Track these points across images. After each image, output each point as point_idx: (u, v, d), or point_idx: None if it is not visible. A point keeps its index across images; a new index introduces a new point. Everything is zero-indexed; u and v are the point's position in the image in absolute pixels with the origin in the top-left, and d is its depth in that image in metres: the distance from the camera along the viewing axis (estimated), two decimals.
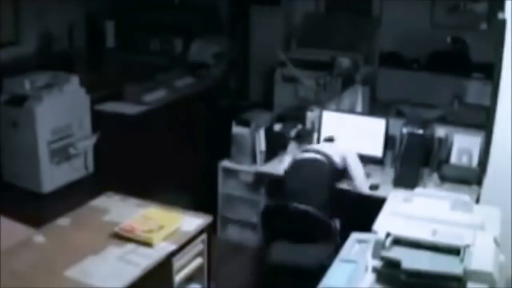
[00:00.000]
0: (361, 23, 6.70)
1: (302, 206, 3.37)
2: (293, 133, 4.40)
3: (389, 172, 3.86)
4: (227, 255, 4.08)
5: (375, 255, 2.04)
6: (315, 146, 3.90)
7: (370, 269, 2.03)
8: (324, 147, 3.79)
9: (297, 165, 3.68)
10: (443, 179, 3.75)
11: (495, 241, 2.08)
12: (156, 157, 5.26)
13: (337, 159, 3.68)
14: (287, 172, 3.72)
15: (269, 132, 4.27)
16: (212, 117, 6.09)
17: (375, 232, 2.12)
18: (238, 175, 4.31)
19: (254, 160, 4.24)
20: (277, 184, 3.99)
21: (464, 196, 2.42)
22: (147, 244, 2.74)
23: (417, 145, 3.62)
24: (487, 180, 3.36)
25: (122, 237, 2.78)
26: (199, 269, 3.02)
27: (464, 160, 3.80)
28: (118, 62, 7.08)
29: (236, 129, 4.29)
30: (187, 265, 2.91)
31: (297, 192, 3.53)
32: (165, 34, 7.32)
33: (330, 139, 3.92)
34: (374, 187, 3.72)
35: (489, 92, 3.41)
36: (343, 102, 4.71)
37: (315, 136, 4.20)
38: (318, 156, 3.64)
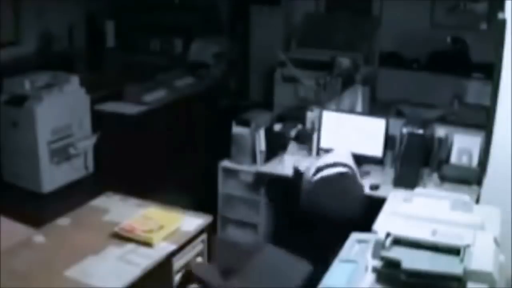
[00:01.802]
0: (361, 23, 6.70)
1: None
2: (293, 133, 4.40)
3: (389, 172, 3.86)
4: (227, 255, 4.08)
5: (375, 255, 2.04)
6: (330, 158, 3.66)
7: (370, 269, 2.03)
8: (337, 156, 3.66)
9: (326, 184, 3.52)
10: (443, 179, 3.75)
11: (495, 241, 2.08)
12: (156, 157, 5.26)
13: (351, 162, 3.64)
14: (313, 192, 3.55)
15: (269, 132, 4.27)
16: (212, 117, 6.10)
17: (375, 232, 2.12)
18: (238, 175, 4.31)
19: (254, 160, 4.23)
20: (277, 185, 4.00)
21: (464, 196, 2.42)
22: (147, 244, 2.74)
23: (417, 145, 3.62)
24: (487, 180, 3.36)
25: (122, 237, 2.78)
26: None
27: (464, 160, 3.80)
28: (118, 62, 7.08)
29: (236, 129, 4.29)
30: (187, 265, 2.91)
31: (332, 216, 3.46)
32: (165, 34, 7.32)
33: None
34: (374, 187, 3.71)
35: (489, 92, 3.41)
36: (343, 102, 4.70)
37: (315, 136, 4.20)
38: (344, 169, 3.55)
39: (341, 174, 3.56)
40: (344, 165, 3.58)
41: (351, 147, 4.00)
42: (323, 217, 3.48)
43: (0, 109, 5.09)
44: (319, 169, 3.57)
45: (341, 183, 3.55)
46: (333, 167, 3.57)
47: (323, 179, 3.54)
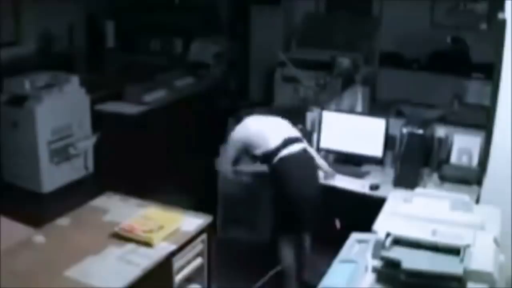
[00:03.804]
0: (361, 23, 6.71)
1: None
2: None
3: (389, 172, 3.86)
4: (227, 255, 4.08)
5: (375, 255, 2.04)
6: (283, 134, 3.55)
7: (370, 269, 2.03)
8: (288, 128, 3.62)
9: (291, 162, 3.48)
10: (443, 179, 3.75)
11: (495, 241, 2.08)
12: (156, 157, 5.26)
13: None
14: (284, 170, 3.47)
15: None
16: (212, 117, 6.10)
17: (375, 232, 2.12)
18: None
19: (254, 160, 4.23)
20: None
21: (464, 196, 2.42)
22: (147, 244, 2.73)
23: (417, 145, 3.62)
24: (487, 180, 3.35)
25: (122, 237, 2.78)
26: (199, 269, 3.02)
27: (464, 160, 3.80)
28: (118, 62, 7.09)
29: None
30: (187, 265, 2.91)
31: (305, 197, 3.46)
32: (165, 34, 7.33)
33: None
34: (374, 187, 3.71)
35: (489, 92, 3.41)
36: (343, 102, 4.70)
37: (315, 136, 4.20)
38: (303, 145, 3.58)
39: (301, 153, 3.52)
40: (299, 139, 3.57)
41: (351, 147, 4.02)
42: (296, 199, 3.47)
43: (0, 109, 5.09)
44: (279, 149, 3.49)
45: (306, 164, 3.55)
46: (294, 144, 3.52)
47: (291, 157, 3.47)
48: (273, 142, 3.49)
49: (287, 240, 3.60)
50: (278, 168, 3.46)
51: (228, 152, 3.73)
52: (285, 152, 3.46)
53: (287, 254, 3.61)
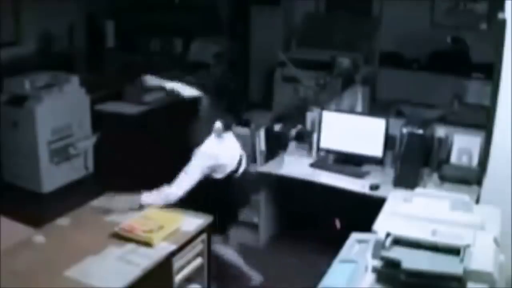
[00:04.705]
0: (361, 23, 6.71)
1: None
2: (293, 133, 4.40)
3: (389, 172, 3.86)
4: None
5: (375, 255, 2.04)
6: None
7: (370, 269, 2.03)
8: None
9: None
10: (443, 179, 3.75)
11: (495, 241, 2.08)
12: (156, 157, 5.25)
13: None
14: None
15: (269, 132, 4.27)
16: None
17: (375, 232, 2.12)
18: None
19: (254, 160, 4.23)
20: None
21: (464, 196, 2.41)
22: (147, 244, 2.74)
23: (417, 145, 3.62)
24: (487, 180, 3.36)
25: (122, 237, 2.78)
26: (199, 269, 3.02)
27: (464, 160, 3.80)
28: (118, 62, 7.08)
29: (236, 129, 4.28)
30: (187, 265, 2.92)
31: None
32: (165, 34, 7.33)
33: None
34: (374, 187, 3.71)
35: (489, 92, 3.41)
36: (343, 102, 4.71)
37: (315, 136, 4.20)
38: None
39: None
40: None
41: (351, 147, 4.02)
42: None
43: (0, 109, 5.09)
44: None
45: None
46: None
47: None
48: (230, 168, 3.53)
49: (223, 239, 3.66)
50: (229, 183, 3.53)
51: (192, 174, 3.54)
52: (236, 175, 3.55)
53: (230, 252, 3.68)
